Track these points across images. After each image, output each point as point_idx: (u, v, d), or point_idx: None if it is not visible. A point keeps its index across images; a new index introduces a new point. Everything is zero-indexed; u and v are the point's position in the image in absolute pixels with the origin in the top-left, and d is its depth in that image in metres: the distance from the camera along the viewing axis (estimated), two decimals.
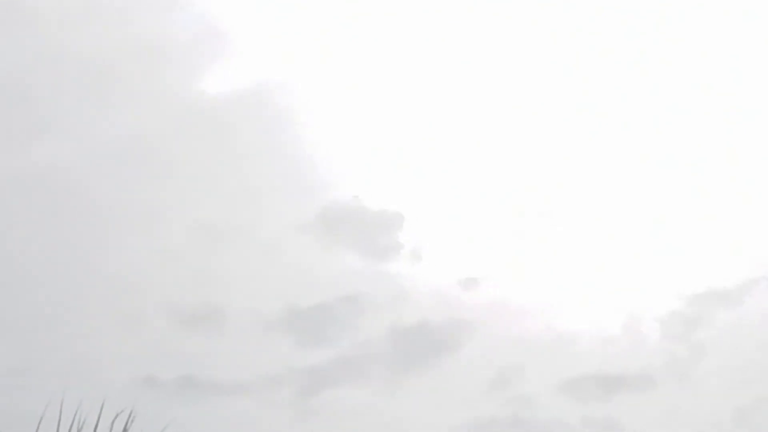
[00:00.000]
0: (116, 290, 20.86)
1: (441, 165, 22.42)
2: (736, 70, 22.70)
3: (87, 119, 21.94)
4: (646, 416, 20.46)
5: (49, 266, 20.90)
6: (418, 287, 21.64)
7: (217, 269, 21.24)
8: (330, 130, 22.63)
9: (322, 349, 21.09)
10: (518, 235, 22.02)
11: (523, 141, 22.57)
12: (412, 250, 21.89)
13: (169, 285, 21.17)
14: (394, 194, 22.16)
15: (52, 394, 10.15)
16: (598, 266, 21.77)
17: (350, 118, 22.67)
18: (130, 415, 9.78)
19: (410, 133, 22.52)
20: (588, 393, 20.83)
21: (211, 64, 22.53)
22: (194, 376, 20.11)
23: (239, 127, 22.41)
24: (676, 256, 21.91)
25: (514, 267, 21.85)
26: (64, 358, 20.05)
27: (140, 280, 21.09)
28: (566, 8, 22.70)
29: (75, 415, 9.70)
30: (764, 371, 20.46)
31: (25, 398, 15.54)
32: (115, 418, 9.74)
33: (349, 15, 22.84)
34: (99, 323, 20.68)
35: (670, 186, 22.38)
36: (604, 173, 22.51)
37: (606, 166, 22.58)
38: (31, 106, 21.58)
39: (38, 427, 9.81)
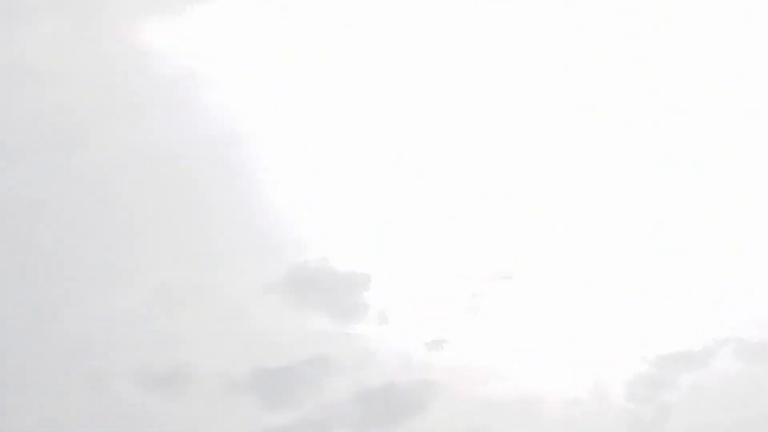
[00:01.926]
0: (78, 351, 20.69)
1: (408, 227, 22.40)
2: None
3: (47, 174, 21.69)
4: None
5: (9, 326, 20.66)
6: (384, 349, 21.59)
7: (181, 330, 21.08)
8: (297, 190, 22.55)
9: (288, 411, 20.99)
10: (483, 298, 22.02)
11: (486, 208, 22.54)
12: (379, 312, 21.84)
13: (132, 347, 20.99)
14: (362, 255, 22.06)
15: None
16: (563, 328, 21.77)
17: (319, 177, 22.58)
18: None
19: (378, 196, 22.53)
20: None
21: (175, 115, 22.30)
22: None
23: (205, 185, 22.28)
24: (641, 318, 21.96)
25: (480, 329, 21.82)
26: (24, 419, 19.90)
27: (103, 342, 20.92)
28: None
29: None
30: None
31: None
32: None
33: (317, 70, 22.77)
34: (60, 384, 20.52)
35: (632, 253, 22.41)
36: (571, 235, 22.50)
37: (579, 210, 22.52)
38: None
39: None
